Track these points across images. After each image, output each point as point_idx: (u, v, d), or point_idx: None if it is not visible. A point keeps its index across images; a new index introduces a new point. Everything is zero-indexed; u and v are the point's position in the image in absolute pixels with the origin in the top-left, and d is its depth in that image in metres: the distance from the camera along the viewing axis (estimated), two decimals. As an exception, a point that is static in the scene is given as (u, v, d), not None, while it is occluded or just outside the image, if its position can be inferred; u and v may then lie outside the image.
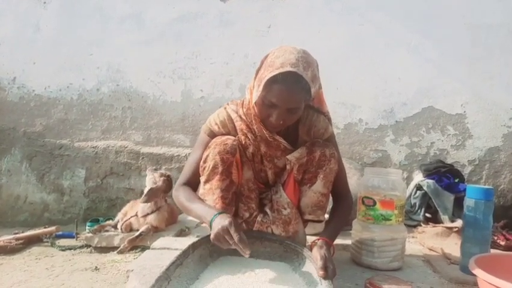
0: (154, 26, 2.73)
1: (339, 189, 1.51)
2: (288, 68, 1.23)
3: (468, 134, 2.60)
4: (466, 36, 2.58)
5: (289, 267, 1.28)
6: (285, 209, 1.42)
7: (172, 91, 2.73)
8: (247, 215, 1.44)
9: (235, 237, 1.14)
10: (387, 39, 2.62)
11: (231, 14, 2.69)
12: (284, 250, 1.32)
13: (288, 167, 1.44)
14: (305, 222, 1.49)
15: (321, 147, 1.41)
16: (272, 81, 1.25)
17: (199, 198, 1.38)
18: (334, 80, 2.63)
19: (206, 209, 1.29)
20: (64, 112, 2.77)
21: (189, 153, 2.63)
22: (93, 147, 2.74)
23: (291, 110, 1.30)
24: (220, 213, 1.24)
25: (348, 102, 2.65)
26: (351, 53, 2.64)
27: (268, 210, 1.44)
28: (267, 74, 1.26)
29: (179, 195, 1.40)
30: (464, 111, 2.60)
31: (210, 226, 1.22)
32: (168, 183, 2.11)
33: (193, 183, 1.45)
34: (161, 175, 2.12)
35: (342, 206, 1.52)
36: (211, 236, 1.19)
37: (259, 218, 1.42)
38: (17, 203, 2.76)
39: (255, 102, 1.33)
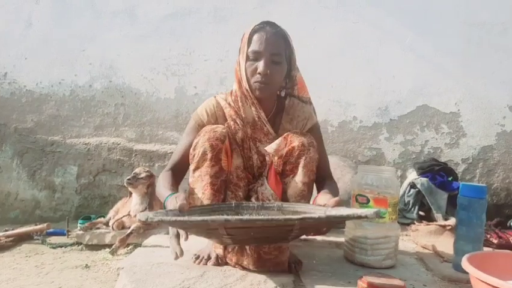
0: (147, 22, 2.70)
1: (322, 174, 1.53)
2: (265, 23, 1.43)
3: (462, 132, 2.60)
4: (460, 33, 2.58)
5: None
6: (269, 200, 1.43)
7: (166, 88, 2.70)
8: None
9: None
10: (381, 36, 2.61)
11: (225, 11, 2.67)
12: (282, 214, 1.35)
13: (267, 158, 1.46)
14: None
15: (299, 137, 1.42)
16: (252, 33, 1.41)
17: (171, 183, 1.40)
18: (328, 78, 2.62)
19: (164, 192, 1.34)
20: (55, 108, 2.74)
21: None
22: (85, 143, 2.71)
23: (275, 59, 1.40)
24: (171, 194, 1.29)
25: (342, 100, 2.64)
26: (346, 50, 2.63)
27: (253, 200, 1.45)
28: (247, 35, 1.43)
29: (159, 178, 1.45)
30: (458, 110, 2.60)
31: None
32: (150, 177, 2.10)
33: (180, 169, 1.49)
34: (145, 170, 2.12)
35: (331, 183, 1.55)
36: None
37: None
38: (8, 200, 2.72)
39: (245, 69, 1.42)
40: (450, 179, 2.35)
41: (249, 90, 1.45)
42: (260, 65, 1.39)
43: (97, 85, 2.73)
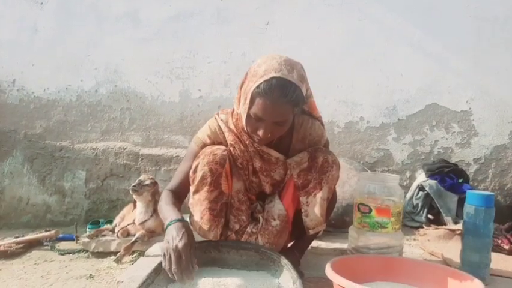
0: (150, 25, 2.69)
1: None
2: (272, 74, 1.19)
3: (473, 131, 2.52)
4: (471, 29, 2.49)
5: (266, 273, 1.26)
6: (274, 219, 1.40)
7: (170, 91, 2.70)
8: (237, 226, 1.41)
9: (183, 264, 1.11)
10: (388, 34, 2.54)
11: (228, 11, 2.63)
12: (260, 258, 1.30)
13: (288, 172, 1.40)
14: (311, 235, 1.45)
15: (323, 153, 1.38)
16: (256, 95, 1.21)
17: (174, 202, 1.34)
18: (334, 78, 2.57)
19: (168, 213, 1.25)
20: (63, 114, 2.77)
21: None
22: (93, 148, 2.73)
23: (278, 123, 1.26)
24: (177, 220, 1.20)
25: (348, 100, 2.59)
26: (352, 49, 2.57)
27: (260, 217, 1.43)
28: (252, 84, 1.22)
29: (162, 196, 1.39)
30: (470, 108, 2.52)
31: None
32: (154, 184, 2.10)
33: (181, 192, 1.43)
34: (149, 177, 2.12)
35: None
36: (162, 247, 1.17)
37: (248, 229, 1.41)
38: (20, 204, 2.78)
39: (245, 120, 1.28)
40: (460, 181, 2.28)
41: (248, 134, 1.35)
42: (261, 128, 1.25)
43: (103, 90, 2.74)
